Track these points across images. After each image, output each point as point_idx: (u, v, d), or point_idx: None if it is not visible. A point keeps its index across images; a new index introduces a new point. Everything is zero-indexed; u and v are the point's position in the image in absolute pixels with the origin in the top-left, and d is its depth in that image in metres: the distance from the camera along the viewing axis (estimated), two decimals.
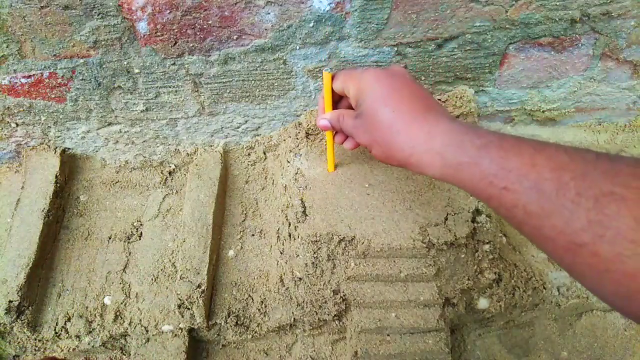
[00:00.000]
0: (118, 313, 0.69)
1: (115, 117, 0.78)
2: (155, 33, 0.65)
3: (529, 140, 0.40)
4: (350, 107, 0.59)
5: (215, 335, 0.71)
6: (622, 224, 0.30)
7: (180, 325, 0.68)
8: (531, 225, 0.37)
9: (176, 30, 0.65)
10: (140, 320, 0.68)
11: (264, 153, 0.85)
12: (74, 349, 0.68)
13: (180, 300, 0.67)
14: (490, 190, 0.39)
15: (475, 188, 0.41)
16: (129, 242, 0.77)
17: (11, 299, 0.66)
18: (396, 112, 0.48)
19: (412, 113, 0.48)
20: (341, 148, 0.71)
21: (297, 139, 0.76)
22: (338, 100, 0.61)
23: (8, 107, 0.74)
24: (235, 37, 0.67)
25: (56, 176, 0.79)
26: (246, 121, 0.81)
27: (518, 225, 0.39)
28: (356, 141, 0.56)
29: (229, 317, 0.69)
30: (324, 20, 0.65)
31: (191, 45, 0.67)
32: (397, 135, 0.47)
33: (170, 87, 0.73)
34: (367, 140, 0.51)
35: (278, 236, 0.73)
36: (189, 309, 0.67)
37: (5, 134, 0.79)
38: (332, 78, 0.57)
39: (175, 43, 0.67)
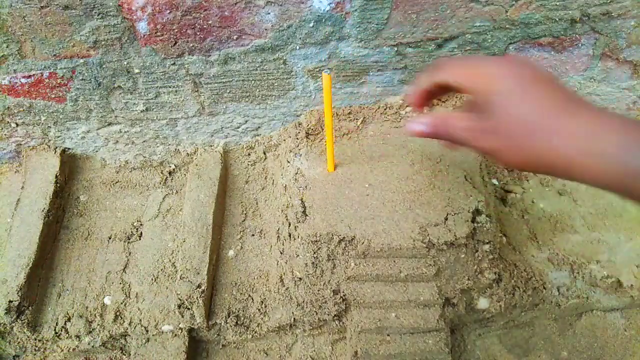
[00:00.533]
0: (118, 313, 0.69)
1: (115, 117, 0.78)
2: (155, 33, 0.65)
3: None
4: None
5: (215, 335, 0.71)
6: None
7: (180, 325, 0.68)
8: None
9: (176, 30, 0.65)
10: (140, 320, 0.68)
11: (264, 153, 0.85)
12: (74, 349, 0.68)
13: (180, 300, 0.67)
14: None
15: None
16: (129, 242, 0.77)
17: (11, 299, 0.66)
18: (543, 107, 0.39)
19: (561, 105, 0.39)
20: (341, 148, 0.72)
21: (297, 139, 0.76)
22: (428, 96, 0.51)
23: (8, 107, 0.74)
24: (235, 37, 0.67)
25: (56, 176, 0.79)
26: (246, 121, 0.81)
27: None
28: (469, 146, 0.46)
29: (229, 317, 0.69)
30: (324, 20, 0.65)
31: (191, 45, 0.67)
32: (551, 135, 0.39)
33: (170, 87, 0.73)
34: (496, 146, 0.42)
35: (278, 236, 0.73)
36: (189, 309, 0.67)
37: (5, 134, 0.79)
38: (434, 68, 0.48)
39: (175, 43, 0.67)
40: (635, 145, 0.35)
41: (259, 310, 0.70)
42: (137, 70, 0.70)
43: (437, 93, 0.51)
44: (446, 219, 0.64)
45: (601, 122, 0.37)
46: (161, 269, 0.73)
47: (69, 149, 0.83)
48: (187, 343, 0.68)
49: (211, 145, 0.85)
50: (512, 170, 0.83)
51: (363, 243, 0.63)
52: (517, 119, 0.41)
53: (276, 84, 0.74)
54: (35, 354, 0.69)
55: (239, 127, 0.82)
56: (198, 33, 0.66)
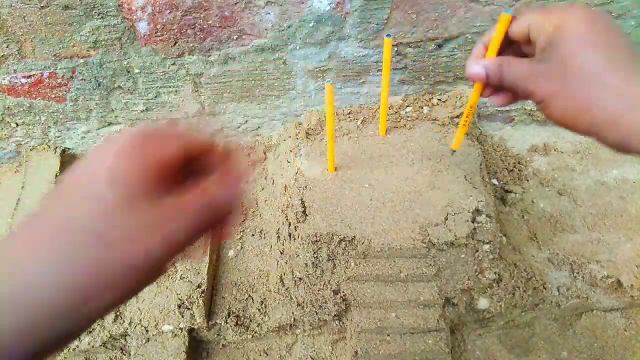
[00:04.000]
0: (118, 313, 0.69)
1: (115, 117, 0.78)
2: (155, 33, 0.65)
3: None
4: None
5: (215, 335, 0.71)
6: None
7: (180, 325, 0.68)
8: None
9: (176, 30, 0.65)
10: (140, 320, 0.68)
11: (264, 153, 0.85)
12: (73, 349, 0.68)
13: (180, 300, 0.67)
14: None
15: None
16: None
17: None
18: (608, 60, 0.39)
19: (630, 63, 0.38)
20: (341, 148, 0.71)
21: (297, 139, 0.76)
22: (502, 51, 0.49)
23: (8, 107, 0.74)
24: (235, 37, 0.67)
25: (56, 176, 0.79)
26: (246, 121, 0.81)
27: None
28: (513, 95, 0.47)
29: (229, 317, 0.69)
30: (324, 20, 0.65)
31: (191, 45, 0.67)
32: (605, 87, 0.38)
33: (170, 87, 0.73)
34: (548, 91, 0.41)
35: (278, 236, 0.73)
36: (189, 309, 0.67)
37: (5, 134, 0.79)
38: (512, 20, 0.46)
39: (175, 43, 0.67)
40: None
41: (259, 310, 0.69)
42: (137, 70, 0.70)
43: (502, 47, 0.48)
44: (446, 219, 0.64)
45: None
46: None
47: (69, 149, 0.83)
48: (187, 343, 0.68)
49: None
50: (512, 169, 0.83)
51: (363, 243, 0.63)
52: (579, 66, 0.40)
53: (276, 84, 0.74)
54: None
55: (239, 127, 0.82)
56: (198, 33, 0.66)
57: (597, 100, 0.38)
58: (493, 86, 0.48)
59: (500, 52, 0.48)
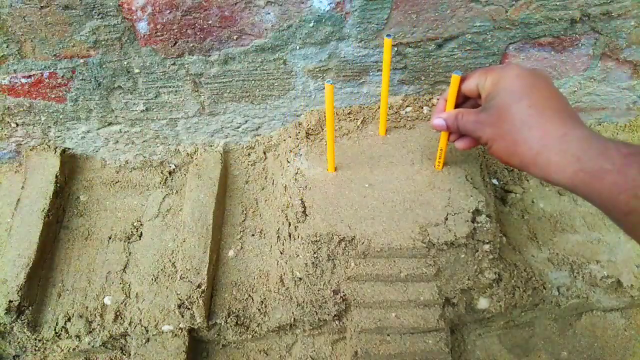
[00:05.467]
0: (118, 313, 0.69)
1: (115, 117, 0.78)
2: (155, 33, 0.65)
3: None
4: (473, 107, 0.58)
5: (215, 335, 0.71)
6: None
7: (180, 325, 0.68)
8: None
9: (176, 30, 0.65)
10: (140, 320, 0.68)
11: (264, 153, 0.85)
12: (74, 349, 0.68)
13: (180, 300, 0.67)
14: (634, 203, 0.36)
15: (614, 200, 0.38)
16: (129, 242, 0.77)
17: (11, 299, 0.66)
18: (532, 108, 0.46)
19: (549, 112, 0.45)
20: (341, 148, 0.72)
21: (297, 139, 0.76)
22: (460, 103, 0.59)
23: (8, 107, 0.74)
24: (235, 37, 0.67)
25: (56, 176, 0.79)
26: (246, 121, 0.81)
27: None
28: (472, 139, 0.55)
29: (229, 317, 0.69)
30: (324, 20, 0.65)
31: (191, 45, 0.67)
32: (528, 130, 0.45)
33: (170, 87, 0.73)
34: (489, 135, 0.49)
35: (278, 236, 0.73)
36: (189, 309, 0.67)
37: (5, 134, 0.79)
38: (462, 79, 0.56)
39: (175, 43, 0.67)
40: (594, 149, 0.40)
41: (259, 310, 0.70)
42: (137, 70, 0.70)
43: (459, 101, 0.58)
44: (446, 219, 0.64)
45: (577, 133, 0.43)
46: (161, 269, 0.73)
47: (69, 149, 0.83)
48: (187, 343, 0.68)
49: (211, 145, 0.85)
50: (512, 170, 0.83)
51: (363, 243, 0.63)
52: (511, 112, 0.47)
53: (276, 84, 0.74)
54: (35, 354, 0.69)
55: (239, 127, 0.82)
56: (198, 33, 0.66)
57: (523, 142, 0.45)
58: (455, 133, 0.58)
59: (459, 105, 0.58)
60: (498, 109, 0.48)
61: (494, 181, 0.81)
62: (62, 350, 0.68)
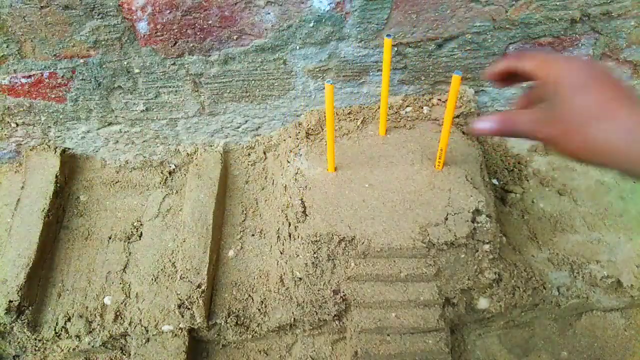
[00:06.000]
0: (118, 313, 0.69)
1: (115, 117, 0.78)
2: (155, 33, 0.65)
3: None
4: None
5: (215, 335, 0.71)
6: None
7: (180, 325, 0.68)
8: None
9: (176, 30, 0.65)
10: (140, 320, 0.68)
11: (264, 153, 0.85)
12: (74, 349, 0.68)
13: (180, 300, 0.67)
14: None
15: None
16: (129, 242, 0.77)
17: (11, 299, 0.66)
18: (600, 100, 0.45)
19: (620, 100, 0.44)
20: (341, 148, 0.71)
21: (297, 139, 0.76)
22: (503, 77, 0.55)
23: (8, 107, 0.74)
24: (235, 37, 0.67)
25: (56, 176, 0.79)
26: (246, 121, 0.81)
27: None
28: (533, 138, 0.52)
29: (229, 317, 0.69)
30: (324, 20, 0.65)
31: (191, 45, 0.67)
32: (603, 123, 0.44)
33: (170, 87, 0.73)
34: (555, 133, 0.47)
35: (278, 236, 0.73)
36: (189, 309, 0.67)
37: (5, 134, 0.79)
38: (519, 57, 0.51)
39: (175, 43, 0.67)
40: None
41: (259, 310, 0.70)
42: (137, 70, 0.70)
43: (510, 78, 0.55)
44: (446, 219, 0.64)
45: None
46: (161, 269, 0.73)
47: (69, 149, 0.83)
48: (187, 343, 0.68)
49: (211, 145, 0.85)
50: (512, 170, 0.83)
51: (363, 243, 0.63)
52: (579, 108, 0.45)
53: (276, 84, 0.74)
54: (35, 354, 0.69)
55: (239, 127, 0.82)
56: (198, 33, 0.66)
57: (595, 134, 0.44)
58: (508, 136, 0.54)
59: (505, 79, 0.54)
60: (562, 106, 0.47)
61: (494, 181, 0.81)
62: (62, 350, 0.68)
